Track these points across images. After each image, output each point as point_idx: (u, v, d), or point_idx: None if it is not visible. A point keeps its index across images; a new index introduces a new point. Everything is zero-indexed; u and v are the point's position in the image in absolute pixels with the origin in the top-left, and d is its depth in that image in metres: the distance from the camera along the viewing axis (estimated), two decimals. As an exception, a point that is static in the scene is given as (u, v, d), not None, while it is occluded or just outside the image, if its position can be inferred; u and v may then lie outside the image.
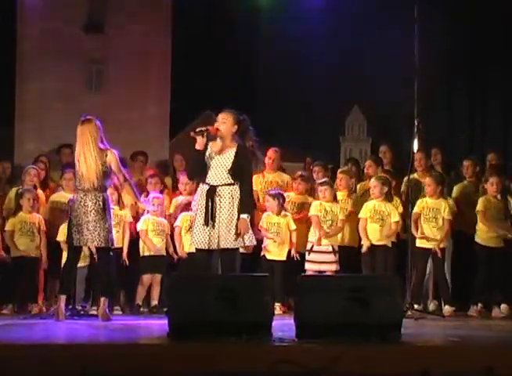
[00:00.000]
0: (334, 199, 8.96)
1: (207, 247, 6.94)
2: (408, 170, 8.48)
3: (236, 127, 7.06)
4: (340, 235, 8.97)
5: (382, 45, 14.67)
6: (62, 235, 8.76)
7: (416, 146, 8.43)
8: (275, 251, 8.90)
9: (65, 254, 8.62)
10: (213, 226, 6.91)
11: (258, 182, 9.67)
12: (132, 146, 10.75)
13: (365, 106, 20.38)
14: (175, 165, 10.27)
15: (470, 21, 14.24)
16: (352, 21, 15.54)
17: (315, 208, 8.89)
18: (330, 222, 8.85)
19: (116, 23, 14.21)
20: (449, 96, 15.21)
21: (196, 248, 7.11)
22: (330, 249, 8.75)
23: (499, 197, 8.89)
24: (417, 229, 8.71)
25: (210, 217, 6.91)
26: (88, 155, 7.34)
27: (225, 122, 7.02)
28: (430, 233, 8.74)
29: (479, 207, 8.85)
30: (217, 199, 6.93)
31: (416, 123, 8.39)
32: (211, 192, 6.95)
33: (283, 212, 8.98)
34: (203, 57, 16.50)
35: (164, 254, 9.00)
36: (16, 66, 13.00)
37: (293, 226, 8.94)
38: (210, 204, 6.91)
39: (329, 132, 19.20)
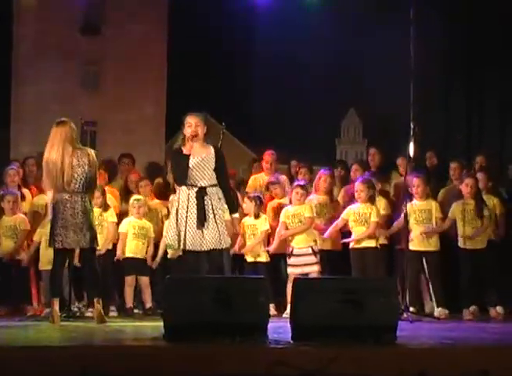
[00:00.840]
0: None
1: (199, 249, 6.99)
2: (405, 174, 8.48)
3: (205, 128, 7.20)
4: (320, 238, 8.98)
5: (379, 48, 14.72)
6: (38, 236, 8.77)
7: (412, 149, 8.43)
8: (253, 253, 8.93)
9: (41, 257, 8.66)
10: (203, 227, 6.98)
11: (257, 184, 9.69)
12: (129, 147, 10.78)
13: (362, 108, 20.44)
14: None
15: (467, 21, 14.27)
16: (351, 23, 15.56)
17: (282, 215, 8.92)
18: (300, 224, 8.85)
19: (112, 25, 14.27)
20: (446, 96, 15.24)
21: (186, 250, 7.12)
22: (310, 251, 8.75)
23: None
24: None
25: (203, 218, 6.96)
26: (61, 157, 7.24)
27: (198, 125, 7.16)
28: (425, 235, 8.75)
29: (450, 214, 8.85)
30: (207, 200, 7.01)
31: (412, 126, 8.39)
32: (202, 193, 7.01)
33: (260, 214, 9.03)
34: (199, 58, 16.52)
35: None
36: (12, 68, 13.02)
37: (264, 227, 8.96)
38: (202, 205, 6.97)
39: (325, 135, 19.24)
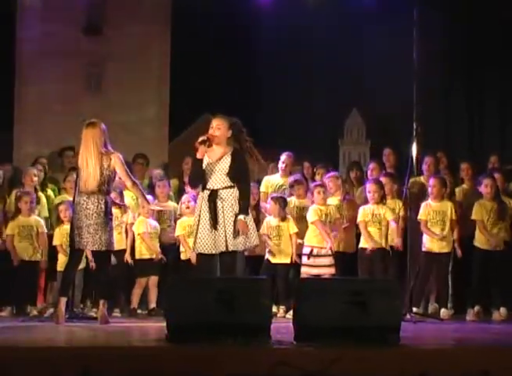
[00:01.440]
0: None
1: (213, 252, 7.01)
2: (407, 174, 8.49)
3: (230, 131, 7.16)
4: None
5: (381, 48, 14.70)
6: (58, 239, 8.79)
7: (414, 150, 8.44)
8: (278, 255, 8.93)
9: (60, 258, 8.69)
10: (216, 229, 6.98)
11: (270, 185, 9.70)
12: (131, 148, 10.75)
13: (365, 109, 20.35)
14: (184, 168, 10.26)
15: (467, 21, 14.26)
16: (352, 24, 15.55)
17: (315, 213, 8.90)
18: (329, 223, 8.88)
19: (115, 25, 14.21)
20: (447, 97, 15.23)
21: (200, 253, 7.15)
22: (329, 252, 8.77)
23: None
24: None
25: (215, 221, 6.97)
26: (90, 159, 7.33)
27: (219, 128, 7.13)
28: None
29: (474, 215, 8.83)
30: (219, 202, 7.01)
31: (414, 127, 8.40)
32: (213, 196, 7.02)
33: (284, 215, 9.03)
34: (202, 58, 16.50)
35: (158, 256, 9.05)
36: (15, 69, 13.01)
37: (294, 229, 8.96)
38: (212, 207, 6.98)
39: (327, 135, 19.17)
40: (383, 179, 9.00)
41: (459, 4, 13.96)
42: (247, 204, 7.28)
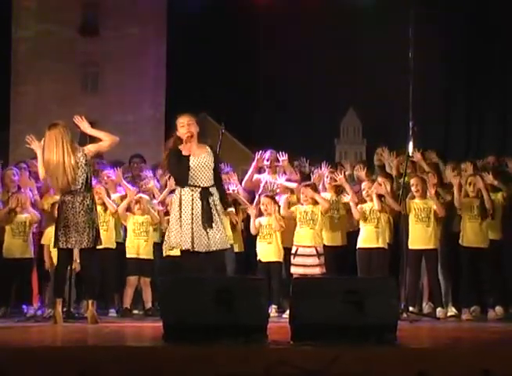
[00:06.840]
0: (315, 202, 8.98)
1: (207, 250, 6.97)
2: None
3: (197, 127, 7.16)
4: (326, 235, 8.99)
5: (379, 47, 14.74)
6: (47, 239, 8.77)
7: (411, 148, 8.44)
8: (269, 253, 8.92)
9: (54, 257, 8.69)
10: (211, 227, 6.94)
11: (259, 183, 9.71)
12: (128, 148, 10.77)
13: (361, 108, 20.41)
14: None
15: (468, 21, 14.30)
16: (351, 22, 15.59)
17: (296, 210, 8.94)
18: (311, 221, 8.84)
19: (111, 26, 14.27)
20: (446, 96, 15.26)
21: (188, 251, 7.09)
22: (314, 252, 8.74)
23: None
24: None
25: (210, 218, 6.95)
26: (63, 158, 7.28)
27: (191, 124, 7.10)
28: (423, 233, 8.76)
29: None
30: (211, 200, 6.98)
31: (411, 125, 8.40)
32: (206, 194, 6.98)
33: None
34: (198, 58, 16.53)
35: (151, 256, 9.02)
36: (11, 69, 13.03)
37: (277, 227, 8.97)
38: (208, 206, 6.94)
39: (324, 135, 19.22)
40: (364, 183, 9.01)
41: (459, 4, 14.01)
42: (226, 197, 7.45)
